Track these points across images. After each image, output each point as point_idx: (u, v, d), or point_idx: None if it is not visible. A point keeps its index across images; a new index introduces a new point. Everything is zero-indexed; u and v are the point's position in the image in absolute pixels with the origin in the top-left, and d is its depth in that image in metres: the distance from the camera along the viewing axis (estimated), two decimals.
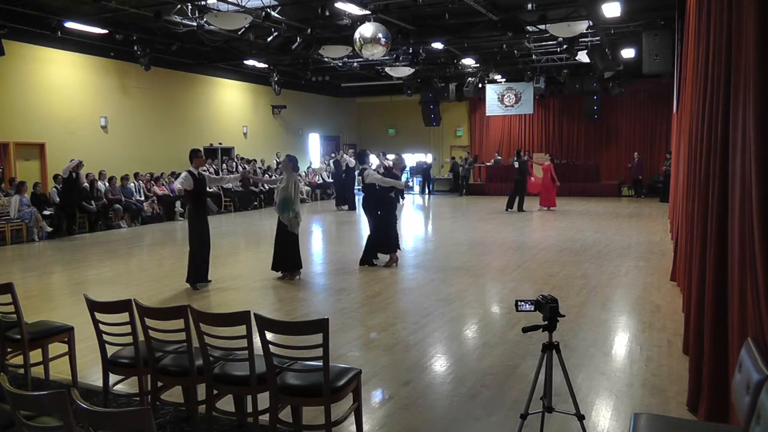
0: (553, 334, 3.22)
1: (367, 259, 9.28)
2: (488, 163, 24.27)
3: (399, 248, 9.44)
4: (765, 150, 2.48)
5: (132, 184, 15.83)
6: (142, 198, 15.90)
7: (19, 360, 4.45)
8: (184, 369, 3.69)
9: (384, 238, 9.21)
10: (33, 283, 8.63)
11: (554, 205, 17.27)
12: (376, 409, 4.16)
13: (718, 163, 3.44)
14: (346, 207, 18.29)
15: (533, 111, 23.19)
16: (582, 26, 13.24)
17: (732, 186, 3.10)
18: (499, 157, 24.35)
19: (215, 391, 3.63)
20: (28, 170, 14.24)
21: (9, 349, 4.46)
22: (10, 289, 4.34)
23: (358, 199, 19.47)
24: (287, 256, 8.25)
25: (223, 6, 11.75)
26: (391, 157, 17.33)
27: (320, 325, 3.24)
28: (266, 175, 20.23)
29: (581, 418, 3.28)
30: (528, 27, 14.03)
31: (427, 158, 25.48)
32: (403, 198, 21.11)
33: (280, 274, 8.42)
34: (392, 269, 9.04)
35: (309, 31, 13.53)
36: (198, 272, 7.86)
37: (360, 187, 9.87)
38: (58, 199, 13.53)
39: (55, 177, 13.79)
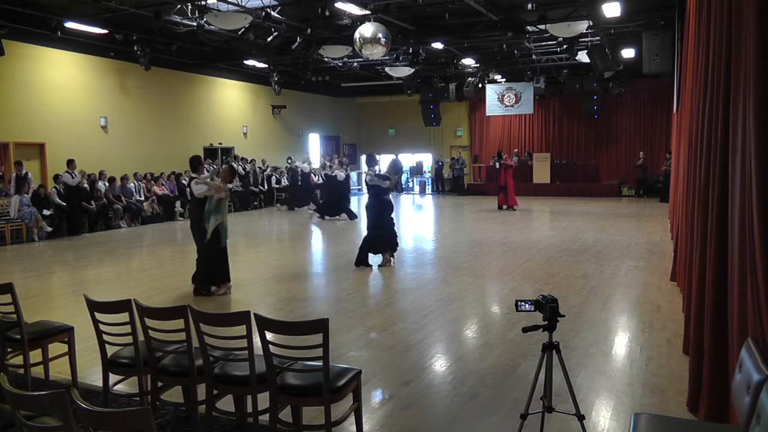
0: (553, 334, 3.22)
1: (363, 259, 9.22)
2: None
3: (395, 250, 9.43)
4: (765, 150, 2.48)
5: (132, 184, 15.84)
6: (142, 198, 15.90)
7: (19, 360, 4.45)
8: (184, 369, 3.69)
9: (382, 239, 9.21)
10: (33, 283, 8.63)
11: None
12: (376, 409, 4.16)
13: (718, 163, 3.44)
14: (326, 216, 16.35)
15: (533, 111, 23.19)
16: (582, 26, 13.23)
17: (732, 186, 3.10)
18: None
19: (215, 391, 3.63)
20: (28, 170, 14.22)
21: (9, 349, 4.45)
22: (10, 289, 4.34)
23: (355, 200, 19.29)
24: (215, 270, 7.63)
25: (223, 6, 11.74)
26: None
27: (320, 325, 3.23)
28: (263, 175, 20.26)
29: (581, 418, 3.28)
30: (528, 27, 14.03)
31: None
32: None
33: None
34: (391, 269, 9.05)
35: (309, 31, 13.53)
36: (208, 281, 7.61)
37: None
38: (57, 200, 13.51)
39: (55, 178, 13.79)
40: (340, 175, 16.44)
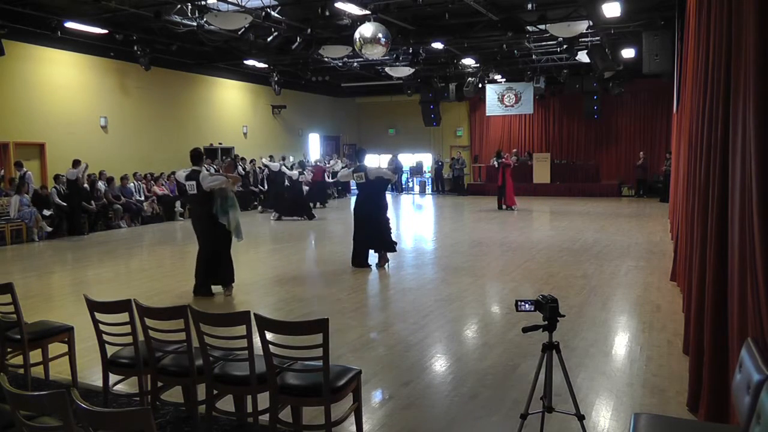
0: (553, 334, 3.22)
1: (362, 260, 9.13)
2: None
3: (395, 249, 9.34)
4: (765, 150, 2.48)
5: (132, 184, 15.84)
6: (142, 198, 15.91)
7: (19, 360, 4.45)
8: (184, 369, 3.69)
9: (382, 237, 9.08)
10: (33, 283, 8.63)
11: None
12: (376, 409, 4.16)
13: (718, 163, 3.43)
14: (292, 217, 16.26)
15: (533, 111, 23.20)
16: (582, 26, 13.24)
17: (732, 186, 3.09)
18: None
19: (215, 391, 3.63)
20: (28, 170, 14.22)
21: (9, 349, 4.45)
22: (10, 289, 4.34)
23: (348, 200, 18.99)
24: (225, 269, 7.52)
25: (223, 6, 11.74)
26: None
27: (320, 325, 3.23)
28: (263, 175, 20.20)
29: (581, 418, 3.28)
30: (528, 27, 14.03)
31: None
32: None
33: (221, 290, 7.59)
34: (391, 269, 9.03)
35: (309, 31, 13.53)
36: (208, 279, 7.52)
37: (356, 185, 9.59)
38: (57, 200, 13.51)
39: (56, 178, 13.79)
40: (293, 174, 16.25)
